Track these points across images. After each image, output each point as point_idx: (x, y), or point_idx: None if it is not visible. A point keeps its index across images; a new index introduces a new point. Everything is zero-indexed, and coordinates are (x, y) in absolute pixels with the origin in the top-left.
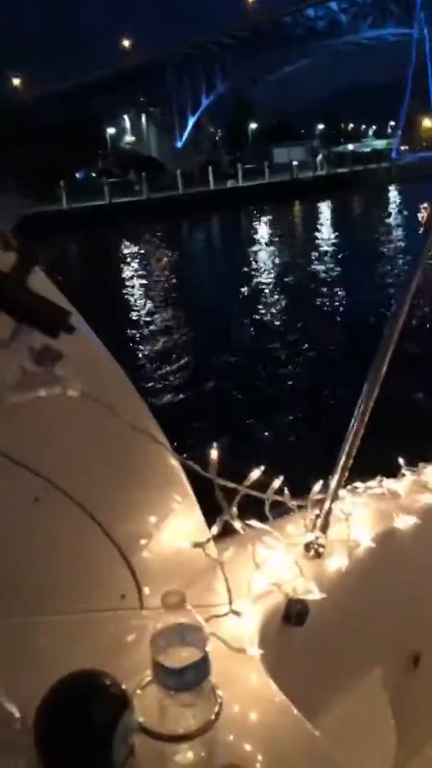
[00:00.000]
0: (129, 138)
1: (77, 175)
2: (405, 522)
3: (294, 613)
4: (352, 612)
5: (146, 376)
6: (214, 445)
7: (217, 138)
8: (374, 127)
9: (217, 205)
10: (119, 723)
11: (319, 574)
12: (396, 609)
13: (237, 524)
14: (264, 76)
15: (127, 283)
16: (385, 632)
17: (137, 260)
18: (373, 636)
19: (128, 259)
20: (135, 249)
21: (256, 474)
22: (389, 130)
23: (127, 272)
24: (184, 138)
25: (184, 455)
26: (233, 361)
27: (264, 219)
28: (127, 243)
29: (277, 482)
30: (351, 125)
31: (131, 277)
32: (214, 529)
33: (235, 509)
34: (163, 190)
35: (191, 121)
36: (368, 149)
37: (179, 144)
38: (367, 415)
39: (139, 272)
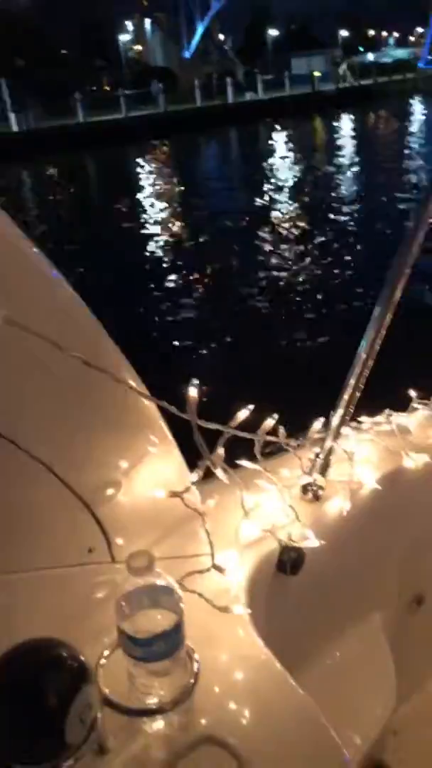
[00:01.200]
0: (135, 47)
1: (93, 87)
2: (414, 461)
3: (288, 561)
4: (353, 557)
5: (149, 293)
6: (193, 382)
7: (227, 47)
8: (396, 34)
9: (236, 119)
10: (75, 699)
11: (317, 518)
12: (400, 552)
13: (222, 469)
14: None
15: (147, 199)
16: (388, 576)
17: (155, 175)
18: (374, 579)
19: (147, 174)
20: (153, 165)
21: (243, 414)
22: (412, 38)
23: (146, 187)
24: (193, 47)
25: (162, 398)
26: (243, 276)
27: (284, 134)
28: (146, 157)
29: (270, 421)
30: (371, 32)
31: (150, 194)
32: (196, 475)
33: (221, 451)
34: (181, 103)
35: (200, 28)
36: (389, 59)
37: (187, 54)
38: (378, 344)
39: (158, 187)
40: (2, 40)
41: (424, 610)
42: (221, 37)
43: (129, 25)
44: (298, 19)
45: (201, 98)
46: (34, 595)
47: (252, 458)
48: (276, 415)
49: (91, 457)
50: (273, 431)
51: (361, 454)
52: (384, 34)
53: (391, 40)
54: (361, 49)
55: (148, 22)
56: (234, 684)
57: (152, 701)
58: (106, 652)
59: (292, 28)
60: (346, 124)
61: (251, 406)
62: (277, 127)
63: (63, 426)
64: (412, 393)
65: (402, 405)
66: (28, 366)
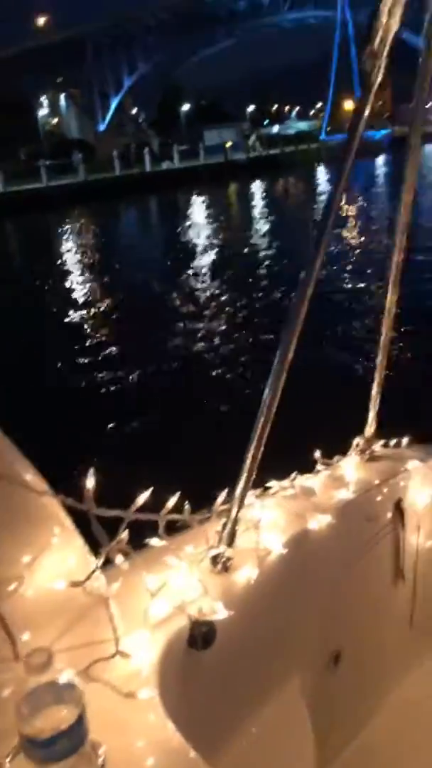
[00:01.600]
0: (51, 120)
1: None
2: (319, 522)
3: (199, 635)
4: (266, 624)
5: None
6: (90, 472)
7: (140, 120)
8: (298, 107)
9: (154, 187)
10: None
11: (227, 589)
12: (313, 611)
13: (125, 553)
14: (188, 57)
15: (68, 265)
16: (303, 637)
17: (76, 242)
18: (289, 643)
19: (68, 241)
20: (74, 231)
21: (142, 498)
22: (312, 112)
23: (68, 254)
24: (107, 120)
25: (58, 488)
26: (167, 345)
27: (201, 199)
28: (66, 225)
29: (173, 499)
30: (275, 106)
31: (72, 260)
32: (100, 561)
33: (125, 535)
34: (100, 172)
35: (114, 103)
36: (292, 131)
37: (102, 126)
38: (273, 412)
39: (80, 253)
40: None
41: (341, 667)
42: (134, 111)
43: (44, 100)
44: (208, 94)
45: (120, 167)
46: None
47: (160, 537)
48: (178, 493)
49: None
50: (177, 510)
51: (267, 519)
52: (287, 108)
53: (293, 114)
54: (267, 121)
55: (62, 97)
56: None
57: None
58: (9, 758)
59: (202, 103)
60: (258, 189)
61: (150, 489)
62: (194, 194)
63: None
64: (317, 454)
65: (308, 466)
66: None
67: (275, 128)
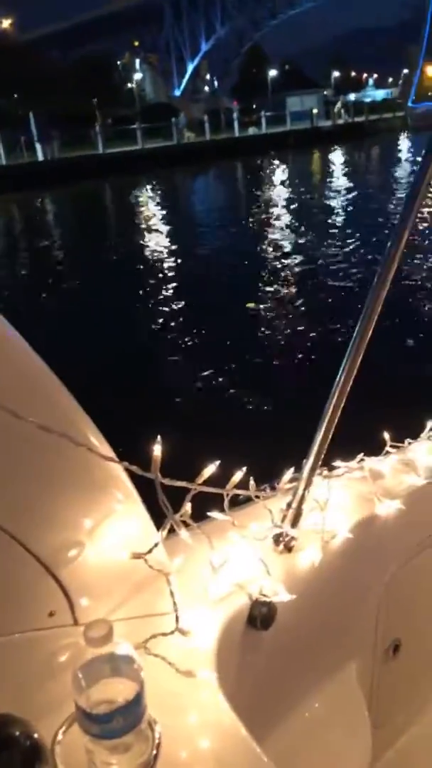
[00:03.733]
0: (131, 85)
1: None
2: (387, 507)
3: (259, 616)
4: (327, 608)
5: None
6: (158, 440)
7: (217, 86)
8: (375, 75)
9: (242, 151)
10: None
11: (289, 570)
12: (375, 598)
13: (188, 526)
14: (267, 21)
15: (160, 225)
16: (363, 624)
17: (172, 202)
18: (349, 629)
19: (164, 201)
20: (168, 192)
21: (209, 470)
22: (390, 80)
23: (165, 212)
24: (183, 85)
25: (124, 455)
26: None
27: (287, 165)
28: (160, 187)
29: (239, 474)
30: (352, 74)
31: (163, 217)
32: (162, 534)
33: (188, 508)
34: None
35: (190, 68)
36: (369, 99)
37: (177, 92)
38: (348, 389)
39: (173, 213)
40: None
41: (400, 657)
42: (208, 76)
43: (121, 64)
44: (287, 60)
45: (210, 132)
46: None
47: (222, 512)
48: (245, 468)
49: (51, 518)
50: (243, 484)
51: (334, 502)
52: (364, 76)
53: (371, 82)
54: (348, 89)
55: (138, 61)
56: (197, 754)
57: None
58: (64, 727)
59: (287, 68)
60: (343, 156)
61: (218, 462)
62: (280, 159)
63: (20, 488)
64: (386, 436)
65: (377, 449)
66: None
67: (352, 96)
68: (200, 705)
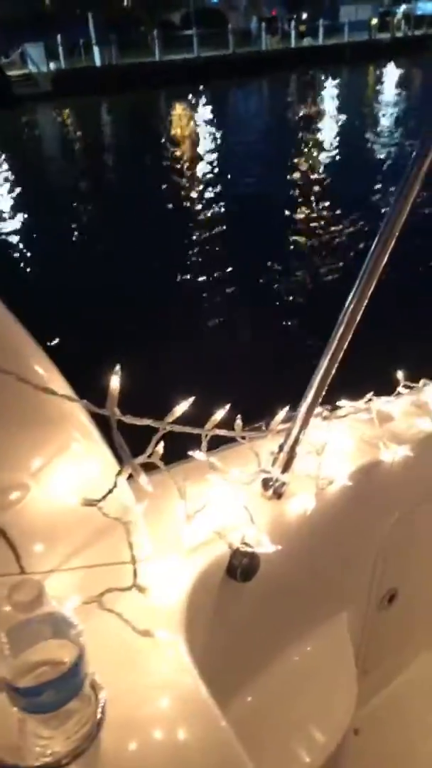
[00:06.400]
0: None
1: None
2: (394, 453)
3: (239, 566)
4: (319, 560)
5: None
6: (116, 369)
7: None
8: None
9: (296, 63)
10: None
11: (276, 518)
12: (372, 549)
13: (159, 468)
14: None
15: (229, 132)
16: (357, 575)
17: (230, 114)
18: (342, 581)
19: (221, 114)
20: (224, 104)
21: (182, 407)
22: None
23: (225, 124)
24: None
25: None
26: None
27: (346, 79)
28: (215, 99)
29: (221, 412)
30: None
31: (231, 128)
32: (120, 479)
33: (160, 449)
34: (242, 46)
35: None
36: (420, 12)
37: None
38: (358, 317)
39: (238, 125)
40: None
41: (394, 606)
42: None
43: None
44: None
45: (265, 42)
46: None
47: (201, 451)
48: (228, 406)
49: None
50: (226, 424)
51: (334, 446)
52: None
53: None
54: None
55: None
56: (148, 719)
57: (46, 756)
58: None
59: None
60: (405, 72)
61: (191, 398)
62: (338, 72)
63: None
64: (400, 375)
65: (388, 388)
66: None
67: (402, 7)
68: (159, 665)
